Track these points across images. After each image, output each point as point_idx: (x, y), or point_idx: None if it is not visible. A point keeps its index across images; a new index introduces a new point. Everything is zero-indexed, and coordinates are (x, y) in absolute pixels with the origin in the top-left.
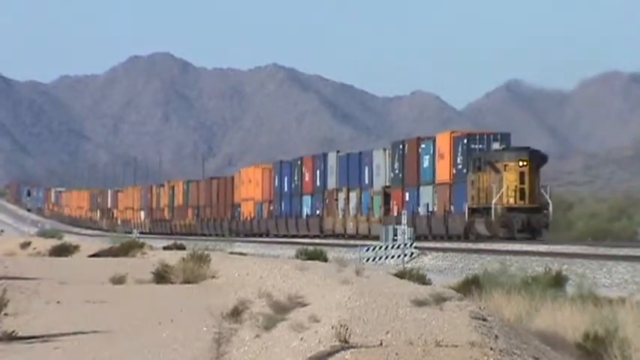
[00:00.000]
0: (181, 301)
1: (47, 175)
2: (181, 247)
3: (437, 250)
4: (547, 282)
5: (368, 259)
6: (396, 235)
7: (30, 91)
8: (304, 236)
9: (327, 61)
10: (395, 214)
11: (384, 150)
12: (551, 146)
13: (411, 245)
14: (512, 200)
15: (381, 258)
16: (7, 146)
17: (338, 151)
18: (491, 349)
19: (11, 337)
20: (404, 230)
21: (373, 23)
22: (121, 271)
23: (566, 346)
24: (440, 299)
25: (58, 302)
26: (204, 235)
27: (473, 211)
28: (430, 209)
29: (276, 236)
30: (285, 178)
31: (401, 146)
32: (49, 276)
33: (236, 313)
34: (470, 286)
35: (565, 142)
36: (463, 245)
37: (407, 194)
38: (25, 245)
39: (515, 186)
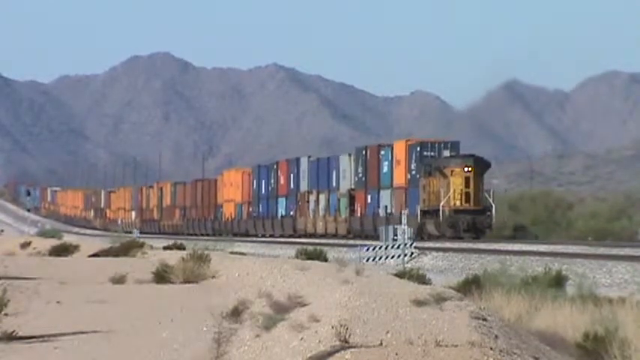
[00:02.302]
0: (181, 301)
1: (47, 175)
2: (181, 247)
3: (437, 250)
4: (547, 282)
5: (368, 259)
6: (395, 234)
7: (30, 91)
8: (280, 236)
9: (327, 61)
10: (359, 214)
11: (349, 155)
12: (552, 146)
13: (411, 245)
14: (458, 203)
15: (381, 258)
16: (7, 146)
17: (309, 156)
18: (491, 349)
19: (11, 337)
20: (404, 230)
21: (373, 23)
22: (121, 270)
23: (566, 346)
24: (440, 299)
25: (58, 302)
26: (189, 234)
27: (424, 212)
28: (389, 211)
29: (255, 236)
30: (263, 181)
31: (364, 152)
32: (49, 276)
33: (236, 313)
34: (470, 286)
35: (565, 142)
36: (463, 245)
37: (369, 197)
38: (25, 245)
39: (461, 190)
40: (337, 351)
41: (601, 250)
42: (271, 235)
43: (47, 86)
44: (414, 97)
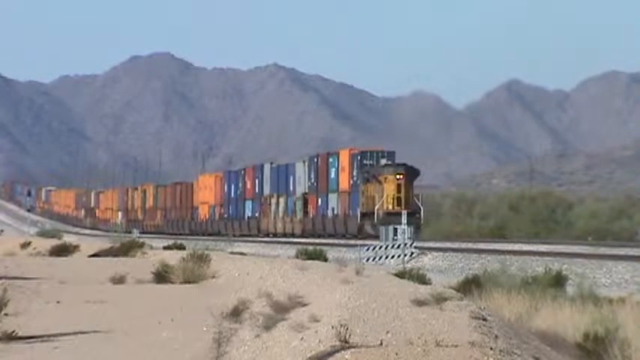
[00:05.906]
0: (181, 301)
1: (47, 175)
2: (181, 247)
3: (437, 250)
4: (547, 282)
5: (368, 259)
6: (396, 234)
7: (30, 91)
8: (248, 235)
9: (327, 61)
10: (311, 216)
11: (304, 162)
12: (552, 146)
13: (411, 245)
14: (390, 206)
15: (381, 258)
16: (7, 146)
17: (271, 163)
18: (491, 349)
19: (11, 337)
20: (404, 230)
21: (373, 23)
22: (121, 271)
23: (566, 346)
24: (440, 299)
25: (58, 302)
26: (170, 234)
27: (363, 214)
28: (335, 212)
29: (225, 235)
30: (232, 185)
31: (315, 159)
32: (49, 276)
33: (236, 313)
34: (470, 286)
35: (565, 142)
36: (463, 245)
37: (319, 200)
38: (25, 245)
39: (394, 195)
40: (337, 351)
41: (601, 250)
42: (241, 235)
43: (47, 86)
44: (414, 97)
